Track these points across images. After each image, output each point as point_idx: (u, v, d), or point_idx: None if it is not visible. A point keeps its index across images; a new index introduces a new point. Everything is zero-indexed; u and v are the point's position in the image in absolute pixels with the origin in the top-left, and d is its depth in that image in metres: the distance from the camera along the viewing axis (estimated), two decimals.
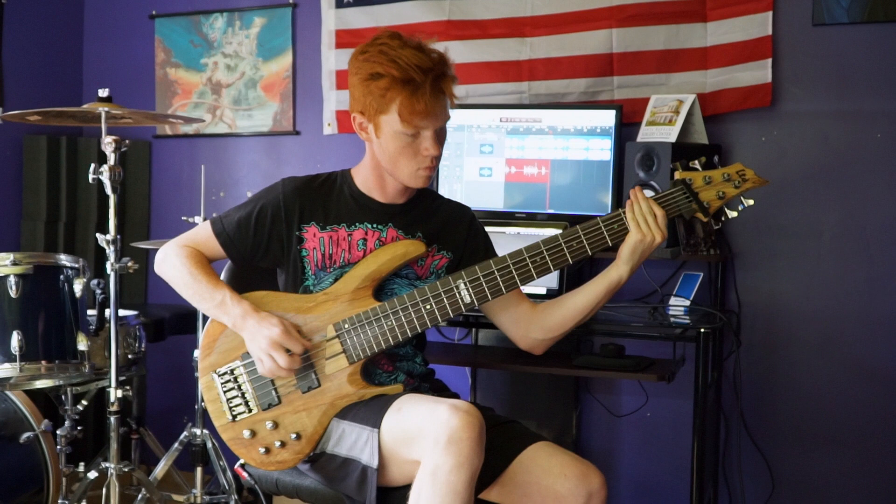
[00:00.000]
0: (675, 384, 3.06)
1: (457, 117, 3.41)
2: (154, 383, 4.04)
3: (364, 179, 2.34)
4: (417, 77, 2.14)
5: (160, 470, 3.44)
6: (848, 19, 3.13)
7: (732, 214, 2.26)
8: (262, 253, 2.33)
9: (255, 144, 4.10)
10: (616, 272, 2.24)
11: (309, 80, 3.96)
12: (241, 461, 2.33)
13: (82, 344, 2.92)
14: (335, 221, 2.31)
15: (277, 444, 2.21)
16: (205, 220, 2.90)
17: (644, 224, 2.19)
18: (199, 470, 3.42)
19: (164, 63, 4.20)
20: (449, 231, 2.38)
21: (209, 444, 3.39)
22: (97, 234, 2.96)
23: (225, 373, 2.26)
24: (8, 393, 3.09)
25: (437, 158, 2.26)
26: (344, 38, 3.83)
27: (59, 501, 3.10)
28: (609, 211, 3.16)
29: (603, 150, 3.22)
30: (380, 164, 2.29)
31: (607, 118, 3.22)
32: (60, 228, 4.18)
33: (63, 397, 3.24)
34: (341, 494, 2.25)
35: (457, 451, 1.96)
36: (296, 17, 3.98)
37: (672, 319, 2.99)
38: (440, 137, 2.24)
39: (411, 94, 2.14)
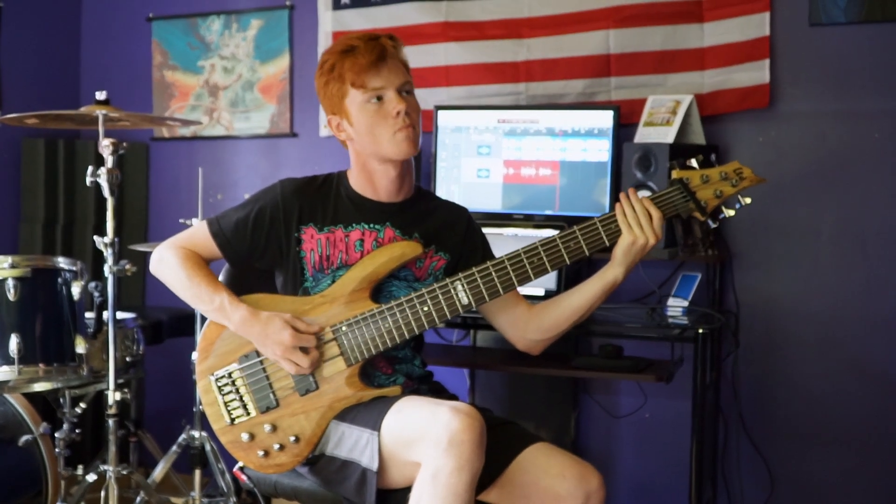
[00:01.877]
0: (674, 385, 3.06)
1: (454, 118, 3.41)
2: (152, 386, 4.03)
3: (357, 181, 2.34)
4: (354, 43, 2.25)
5: (159, 472, 3.43)
6: (845, 19, 3.13)
7: (730, 213, 2.25)
8: (259, 254, 2.33)
9: (253, 147, 4.09)
10: (611, 273, 2.24)
11: (306, 82, 3.95)
12: (240, 464, 2.33)
13: (80, 347, 2.91)
14: (332, 222, 2.31)
15: (276, 447, 2.21)
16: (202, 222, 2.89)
17: (637, 226, 2.18)
18: (197, 472, 3.41)
19: (162, 65, 4.20)
20: (446, 232, 2.37)
21: (207, 447, 3.39)
22: (95, 237, 2.96)
23: (223, 376, 2.26)
24: (6, 396, 3.08)
25: (413, 118, 2.26)
26: None
27: None
28: (607, 212, 3.16)
29: (600, 150, 3.22)
30: (365, 161, 2.31)
31: (605, 119, 3.22)
32: (58, 231, 4.17)
33: (61, 400, 3.23)
34: (340, 497, 2.24)
35: (458, 453, 1.96)
36: (293, 20, 3.98)
37: (670, 320, 2.99)
38: (407, 100, 2.27)
39: (352, 58, 2.24)
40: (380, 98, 2.24)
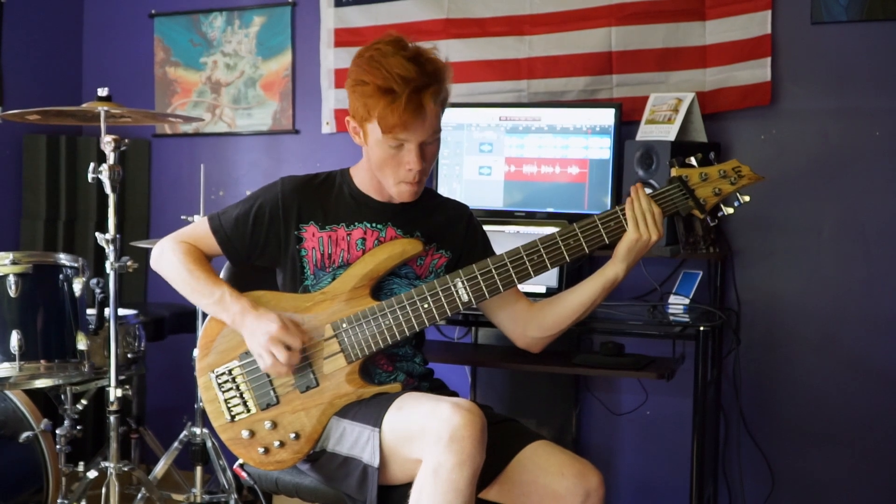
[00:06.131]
0: (675, 382, 3.06)
1: (456, 116, 3.41)
2: (154, 382, 4.03)
3: (362, 179, 2.33)
4: (397, 87, 2.10)
5: (160, 469, 3.44)
6: (846, 17, 3.13)
7: (728, 211, 2.27)
8: (259, 251, 2.33)
9: (255, 143, 4.10)
10: (612, 270, 2.24)
11: (308, 78, 3.96)
12: (240, 461, 2.33)
13: (82, 343, 2.91)
14: (334, 221, 2.31)
15: (276, 443, 2.21)
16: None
17: (642, 222, 2.19)
18: (198, 469, 3.42)
19: (164, 62, 4.20)
20: (448, 230, 2.37)
21: (209, 444, 3.39)
22: (97, 234, 2.97)
23: (223, 373, 2.26)
24: (7, 392, 3.08)
25: (424, 173, 2.22)
26: (343, 37, 3.83)
27: (59, 501, 3.09)
28: (607, 210, 3.16)
29: (602, 148, 3.22)
30: (374, 170, 2.28)
31: (606, 117, 3.22)
32: (60, 227, 4.18)
33: (62, 396, 3.24)
34: (341, 493, 2.25)
35: (459, 449, 1.96)
36: (295, 16, 3.98)
37: (671, 318, 3.00)
38: (426, 151, 2.20)
39: (388, 105, 2.10)
40: (399, 145, 2.18)
